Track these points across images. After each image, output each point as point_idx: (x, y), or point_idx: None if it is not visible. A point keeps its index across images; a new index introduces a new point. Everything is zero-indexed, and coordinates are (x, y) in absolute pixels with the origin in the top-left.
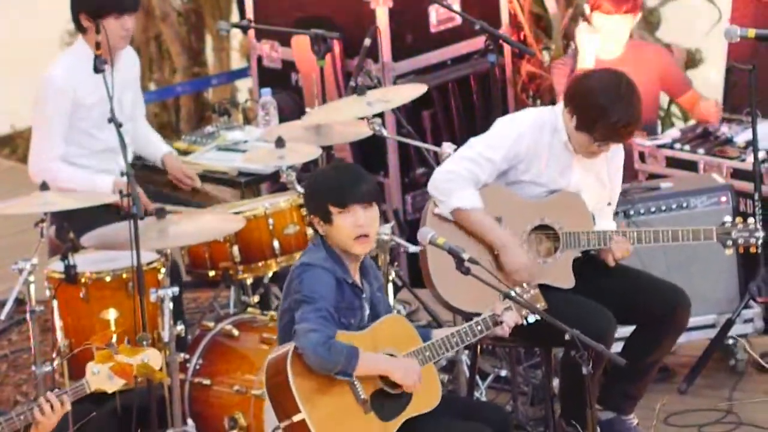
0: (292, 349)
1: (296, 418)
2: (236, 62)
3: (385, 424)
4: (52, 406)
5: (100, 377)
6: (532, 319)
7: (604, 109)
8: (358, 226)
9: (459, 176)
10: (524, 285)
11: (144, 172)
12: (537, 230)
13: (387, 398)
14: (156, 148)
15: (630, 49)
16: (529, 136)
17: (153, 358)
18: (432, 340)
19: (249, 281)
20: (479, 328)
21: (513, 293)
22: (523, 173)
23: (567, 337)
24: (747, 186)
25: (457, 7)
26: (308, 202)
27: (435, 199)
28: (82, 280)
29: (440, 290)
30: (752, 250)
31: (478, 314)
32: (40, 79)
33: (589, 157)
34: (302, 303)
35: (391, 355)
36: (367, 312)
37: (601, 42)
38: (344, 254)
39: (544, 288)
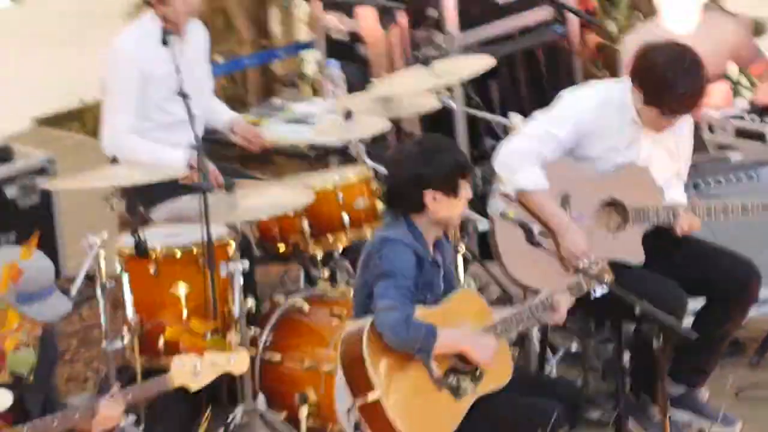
0: (368, 326)
1: (371, 397)
2: (303, 34)
3: (458, 401)
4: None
5: (185, 372)
6: (599, 292)
7: (669, 81)
8: (468, 197)
9: (523, 153)
10: (592, 258)
11: (214, 146)
12: (606, 205)
13: (460, 375)
14: (224, 115)
15: (703, 22)
16: (594, 112)
17: (241, 359)
18: (505, 315)
19: (319, 255)
20: (536, 308)
21: (581, 265)
22: (591, 149)
23: (637, 311)
24: None
25: None
26: (432, 176)
27: (500, 175)
28: (153, 255)
29: (508, 265)
30: None
31: None
32: (109, 51)
33: (659, 131)
34: (382, 277)
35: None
36: (442, 286)
37: (669, 12)
38: (431, 229)
39: (613, 264)
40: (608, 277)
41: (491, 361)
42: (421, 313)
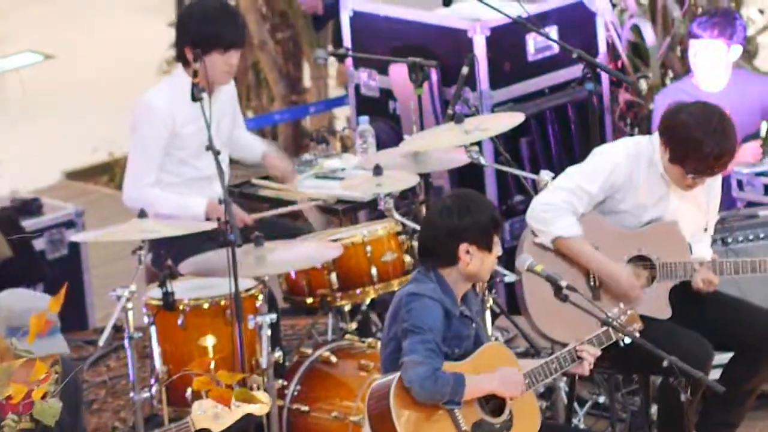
0: (396, 380)
1: None
2: (333, 90)
3: None
4: None
5: (206, 416)
6: (628, 340)
7: (696, 142)
8: (499, 253)
9: (557, 207)
10: (620, 306)
11: (241, 201)
12: (633, 261)
13: (487, 428)
14: (256, 147)
15: (734, 81)
16: (625, 166)
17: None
18: (532, 367)
19: (347, 308)
20: (564, 360)
21: (610, 319)
22: (620, 203)
23: (665, 363)
24: None
25: (554, 35)
26: (467, 231)
27: (534, 229)
28: (180, 307)
29: (535, 319)
30: None
31: None
32: (138, 105)
33: (684, 189)
34: (410, 333)
35: None
36: (473, 339)
37: (697, 71)
38: (460, 283)
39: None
40: (637, 325)
41: (521, 393)
42: (449, 368)
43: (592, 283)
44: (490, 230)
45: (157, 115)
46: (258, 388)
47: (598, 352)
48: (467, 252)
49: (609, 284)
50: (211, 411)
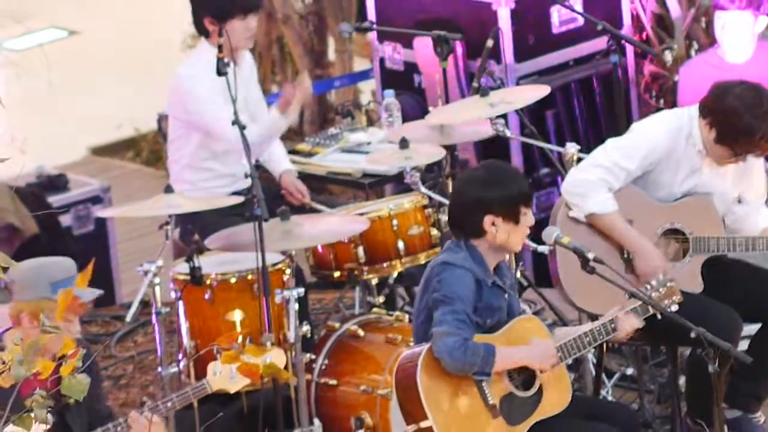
0: (425, 352)
1: (423, 425)
2: (358, 64)
3: (513, 428)
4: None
5: (222, 378)
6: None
7: (748, 126)
8: (531, 223)
9: (593, 183)
10: (659, 278)
11: (268, 174)
12: (667, 234)
13: (516, 401)
14: (278, 163)
15: (759, 52)
16: (665, 143)
17: (277, 357)
18: (565, 340)
19: (374, 282)
20: (613, 326)
21: (639, 291)
22: (656, 176)
23: (693, 335)
24: None
25: (579, 7)
26: (492, 202)
27: (570, 203)
28: (208, 281)
29: (568, 290)
30: None
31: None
32: (177, 80)
33: (722, 165)
34: (440, 303)
35: None
36: (506, 310)
37: (723, 43)
38: (492, 254)
39: None
40: (676, 297)
41: (552, 366)
42: (480, 339)
43: (626, 256)
44: (516, 202)
45: (198, 76)
46: (272, 345)
47: (639, 324)
48: (492, 224)
49: (639, 261)
50: (227, 372)
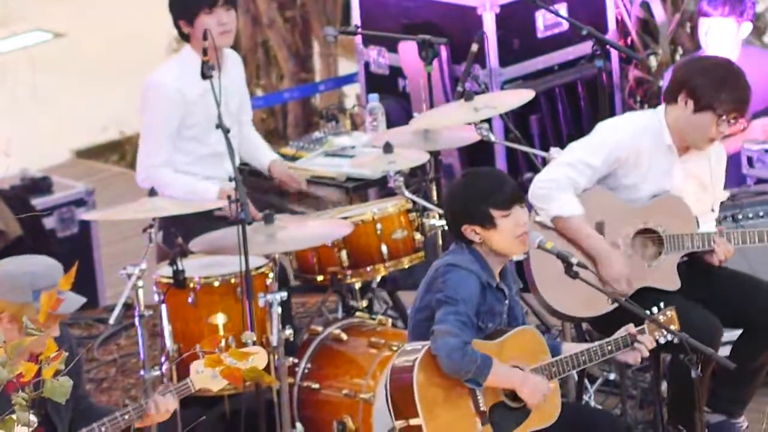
0: (424, 350)
1: (413, 422)
2: (344, 66)
3: None
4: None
5: (204, 376)
6: (663, 340)
7: (724, 79)
8: (521, 225)
9: (558, 183)
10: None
11: (251, 179)
12: (640, 234)
13: (505, 411)
14: (263, 155)
15: (743, 58)
16: (629, 140)
17: (259, 357)
18: (560, 356)
19: (357, 286)
20: (609, 348)
21: (623, 299)
22: (624, 177)
23: (675, 340)
24: None
25: (564, 12)
26: (464, 212)
27: (535, 206)
28: (191, 285)
29: (544, 295)
30: None
31: (582, 319)
32: (147, 84)
33: (702, 148)
34: (444, 304)
35: (518, 368)
36: (506, 316)
37: (708, 49)
38: (492, 258)
39: (649, 291)
40: (674, 327)
41: (540, 403)
42: (477, 344)
43: (594, 262)
44: (486, 207)
45: (166, 94)
46: (253, 343)
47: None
48: (474, 232)
49: (601, 267)
50: (209, 371)
